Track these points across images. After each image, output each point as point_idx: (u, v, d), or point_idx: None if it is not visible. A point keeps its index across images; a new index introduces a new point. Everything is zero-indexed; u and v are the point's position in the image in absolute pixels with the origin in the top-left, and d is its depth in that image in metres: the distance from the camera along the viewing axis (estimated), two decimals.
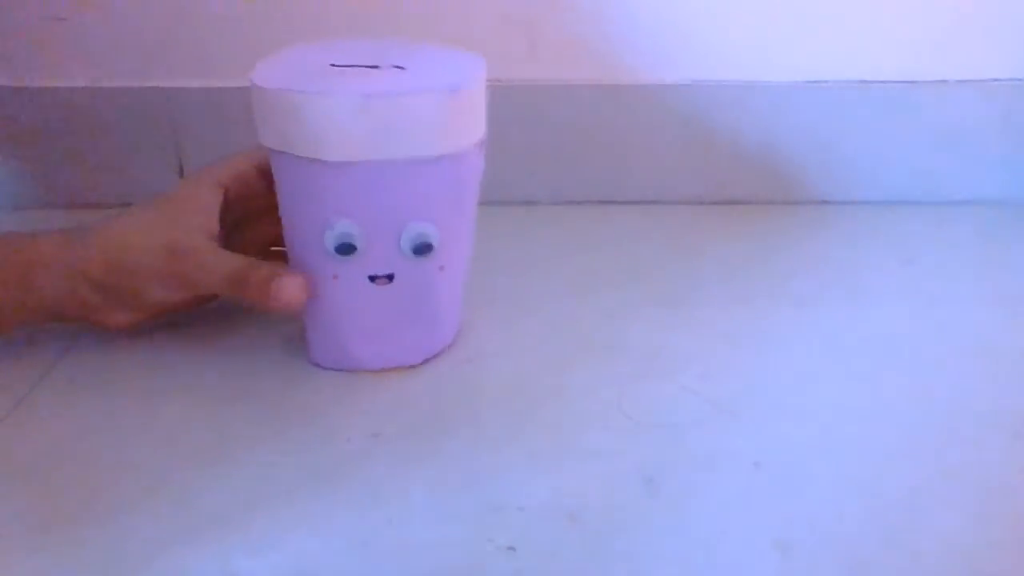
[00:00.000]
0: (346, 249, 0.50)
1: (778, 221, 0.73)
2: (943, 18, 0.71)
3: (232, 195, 0.54)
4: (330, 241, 0.50)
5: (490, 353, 0.56)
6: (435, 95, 0.47)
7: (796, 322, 0.59)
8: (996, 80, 0.72)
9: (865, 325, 0.59)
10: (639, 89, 0.72)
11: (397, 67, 0.50)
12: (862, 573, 0.41)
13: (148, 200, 0.54)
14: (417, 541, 0.42)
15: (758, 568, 0.41)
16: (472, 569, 0.41)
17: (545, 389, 0.53)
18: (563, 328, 0.59)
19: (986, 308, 0.61)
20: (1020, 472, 0.47)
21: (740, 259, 0.67)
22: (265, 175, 0.54)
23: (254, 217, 0.56)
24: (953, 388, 0.53)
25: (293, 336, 0.57)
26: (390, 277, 0.52)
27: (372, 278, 0.52)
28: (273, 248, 0.58)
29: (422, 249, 0.50)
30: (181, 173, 0.75)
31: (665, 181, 0.75)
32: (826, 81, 0.72)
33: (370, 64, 0.50)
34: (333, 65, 0.50)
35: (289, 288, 0.50)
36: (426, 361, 0.55)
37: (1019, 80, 0.72)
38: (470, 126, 0.50)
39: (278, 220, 0.52)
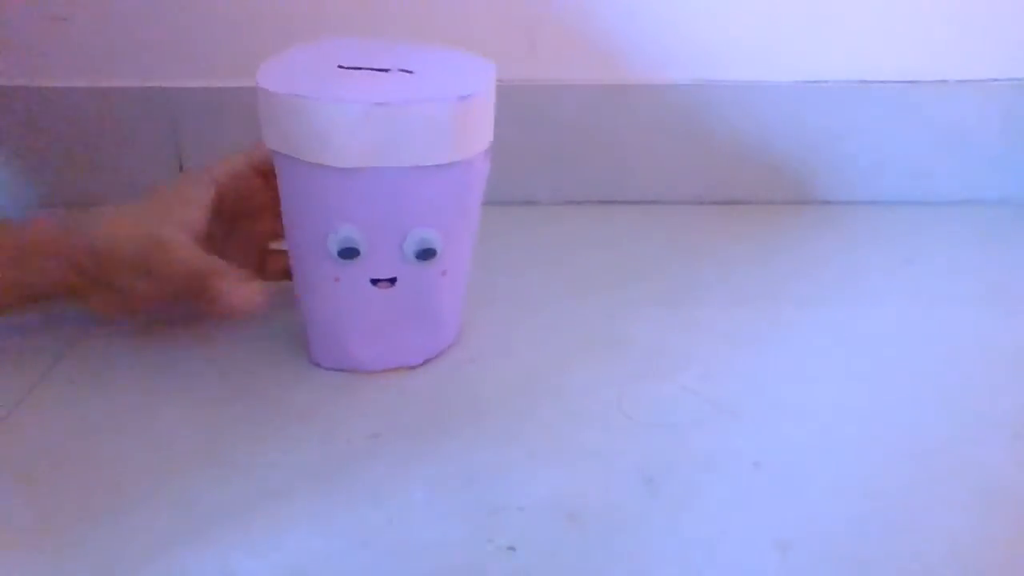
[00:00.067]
0: (349, 253, 0.50)
1: (778, 221, 0.73)
2: (943, 18, 0.71)
3: (227, 192, 0.54)
4: (333, 245, 0.49)
5: (490, 353, 0.56)
6: (445, 104, 0.47)
7: (796, 322, 0.59)
8: (996, 80, 0.72)
9: (865, 325, 0.59)
10: (639, 89, 0.72)
11: (405, 71, 0.49)
12: (862, 573, 0.41)
13: (144, 193, 0.54)
14: (417, 541, 0.42)
15: (758, 568, 0.41)
16: (472, 569, 0.41)
17: (545, 389, 0.53)
18: (563, 328, 0.59)
19: (986, 308, 0.61)
20: (1020, 472, 0.47)
21: (740, 259, 0.67)
22: (262, 173, 0.54)
23: (251, 214, 0.56)
24: (953, 388, 0.53)
25: (293, 336, 0.57)
26: (392, 281, 0.51)
27: (374, 281, 0.51)
28: (272, 247, 0.58)
29: (425, 255, 0.50)
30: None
31: (665, 181, 0.75)
32: (826, 81, 0.72)
33: (378, 67, 0.49)
34: (340, 67, 0.49)
35: (236, 296, 0.51)
36: (426, 362, 0.55)
37: (1019, 80, 0.72)
38: (478, 134, 0.49)
39: (276, 217, 0.52)
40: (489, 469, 0.46)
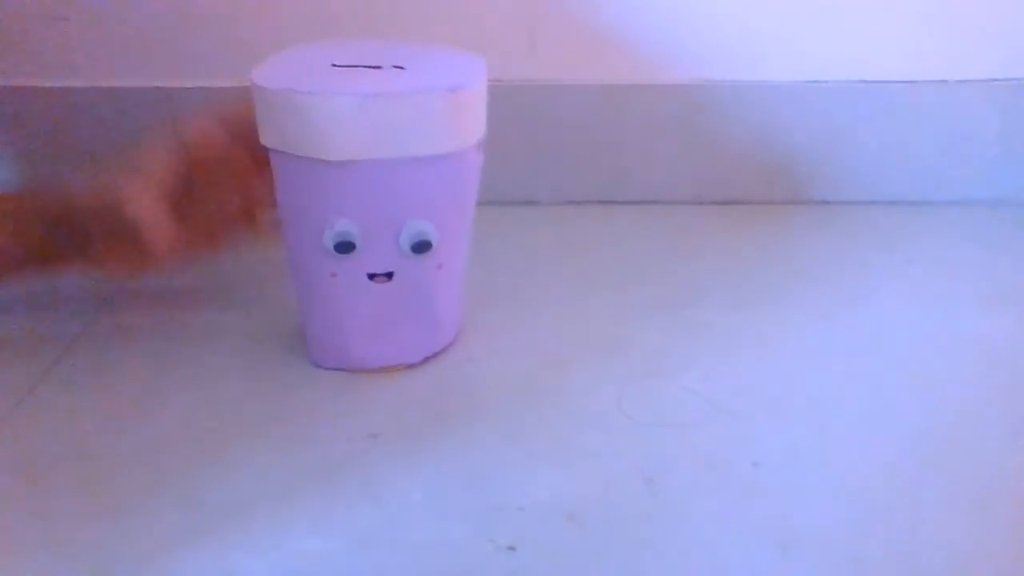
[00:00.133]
0: (345, 248, 0.50)
1: (778, 221, 0.73)
2: (943, 18, 0.71)
3: (199, 161, 0.54)
4: (329, 240, 0.50)
5: (490, 353, 0.56)
6: (435, 94, 0.47)
7: (796, 322, 0.59)
8: (996, 80, 0.72)
9: (865, 325, 0.59)
10: (639, 89, 0.72)
11: (398, 67, 0.50)
12: (862, 573, 0.41)
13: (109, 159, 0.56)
14: (417, 541, 0.42)
15: (758, 568, 0.41)
16: (472, 569, 0.41)
17: (545, 389, 0.53)
18: (563, 328, 0.59)
19: (986, 308, 0.61)
20: (1020, 472, 0.47)
21: (740, 259, 0.67)
22: (234, 135, 0.54)
23: (224, 180, 0.56)
24: (953, 388, 0.53)
25: (293, 336, 0.57)
26: (389, 275, 0.52)
27: (371, 276, 0.52)
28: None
29: (421, 247, 0.51)
30: None
31: (665, 181, 0.75)
32: (826, 81, 0.72)
33: (371, 64, 0.50)
34: (334, 65, 0.50)
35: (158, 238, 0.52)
36: (426, 360, 0.55)
37: (1019, 80, 0.72)
38: (470, 126, 0.50)
39: (247, 185, 0.53)
40: (489, 469, 0.46)
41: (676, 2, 0.71)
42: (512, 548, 0.42)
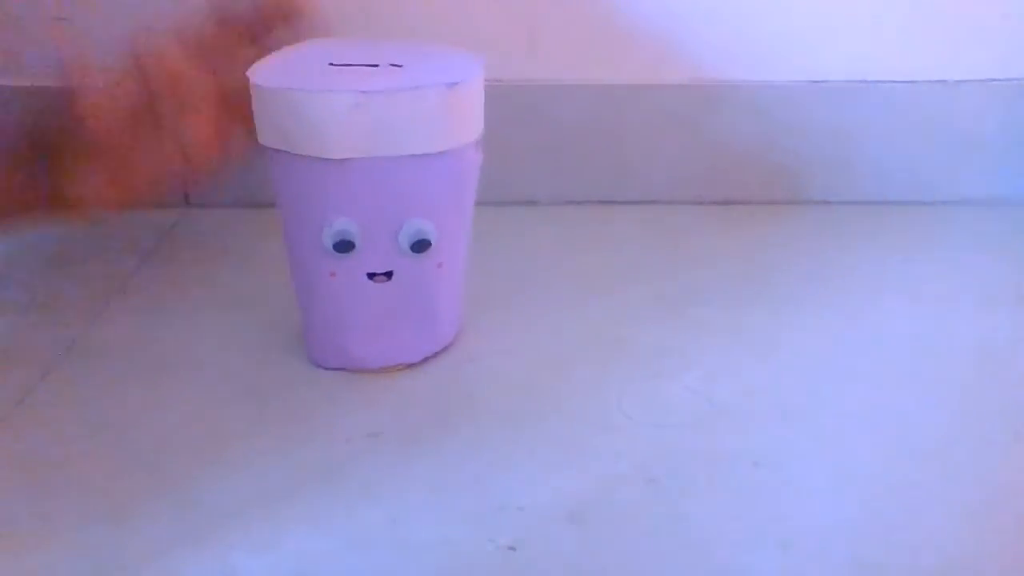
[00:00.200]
0: (344, 247, 0.50)
1: (778, 221, 0.73)
2: (943, 18, 0.71)
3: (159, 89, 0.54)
4: (328, 239, 0.50)
5: (490, 353, 0.56)
6: (432, 90, 0.47)
7: (796, 322, 0.59)
8: (996, 80, 0.72)
9: (865, 325, 0.59)
10: (639, 89, 0.72)
11: (395, 65, 0.50)
12: (862, 573, 0.41)
13: None
14: (417, 541, 0.42)
15: (758, 568, 0.41)
16: (472, 569, 0.41)
17: (545, 389, 0.53)
18: (563, 328, 0.59)
19: (986, 308, 0.61)
20: (1020, 472, 0.47)
21: (740, 259, 0.67)
22: (192, 51, 0.54)
23: (189, 105, 0.55)
24: (953, 388, 0.53)
25: (293, 336, 0.57)
26: (388, 275, 0.52)
27: (371, 275, 0.52)
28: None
29: (420, 246, 0.51)
30: None
31: (665, 181, 0.75)
32: (827, 81, 0.72)
33: (368, 63, 0.50)
34: (332, 64, 0.50)
35: None
36: (426, 360, 0.55)
37: (1019, 80, 0.72)
38: (468, 123, 0.50)
39: (214, 110, 0.53)
40: (489, 469, 0.46)
41: (676, 2, 0.71)
42: (512, 548, 0.42)
